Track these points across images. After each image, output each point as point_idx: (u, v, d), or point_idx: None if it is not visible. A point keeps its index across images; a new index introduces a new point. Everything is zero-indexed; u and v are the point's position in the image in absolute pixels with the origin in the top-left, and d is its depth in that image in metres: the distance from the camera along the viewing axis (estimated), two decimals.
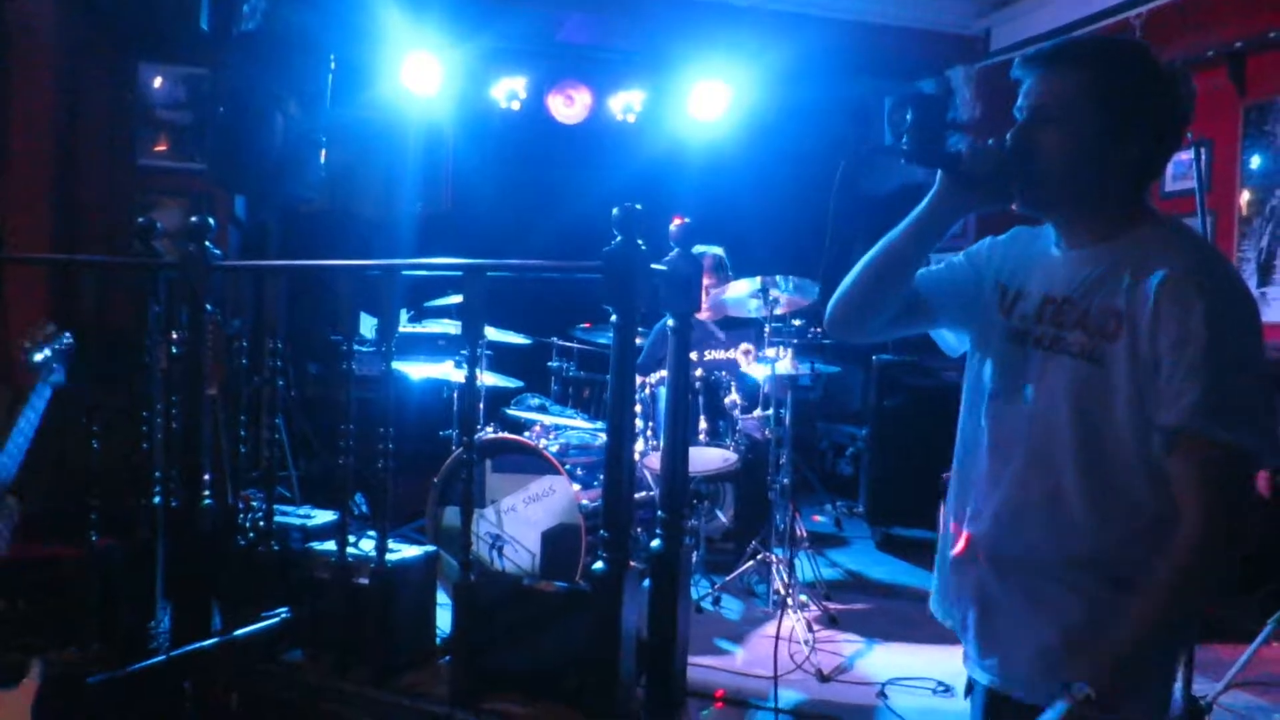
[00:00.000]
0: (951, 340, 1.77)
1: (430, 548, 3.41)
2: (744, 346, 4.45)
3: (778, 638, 3.58)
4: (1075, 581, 1.45)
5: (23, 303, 4.79)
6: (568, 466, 3.86)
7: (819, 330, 4.58)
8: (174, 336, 3.48)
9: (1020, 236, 1.66)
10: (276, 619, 2.83)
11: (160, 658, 2.28)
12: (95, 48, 5.05)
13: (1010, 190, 1.52)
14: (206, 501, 3.43)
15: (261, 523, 3.35)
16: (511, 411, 4.51)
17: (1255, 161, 4.76)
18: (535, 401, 4.52)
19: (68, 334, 3.10)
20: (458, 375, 4.34)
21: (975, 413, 1.61)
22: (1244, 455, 1.35)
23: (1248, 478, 1.38)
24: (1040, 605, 1.48)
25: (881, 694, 3.16)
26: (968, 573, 1.58)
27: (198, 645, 2.55)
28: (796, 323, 4.31)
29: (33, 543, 3.65)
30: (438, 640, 3.34)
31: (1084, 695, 1.31)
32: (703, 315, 4.73)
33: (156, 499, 3.45)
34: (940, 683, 3.26)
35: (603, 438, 4.09)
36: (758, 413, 4.21)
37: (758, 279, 4.07)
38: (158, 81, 5.25)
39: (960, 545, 1.60)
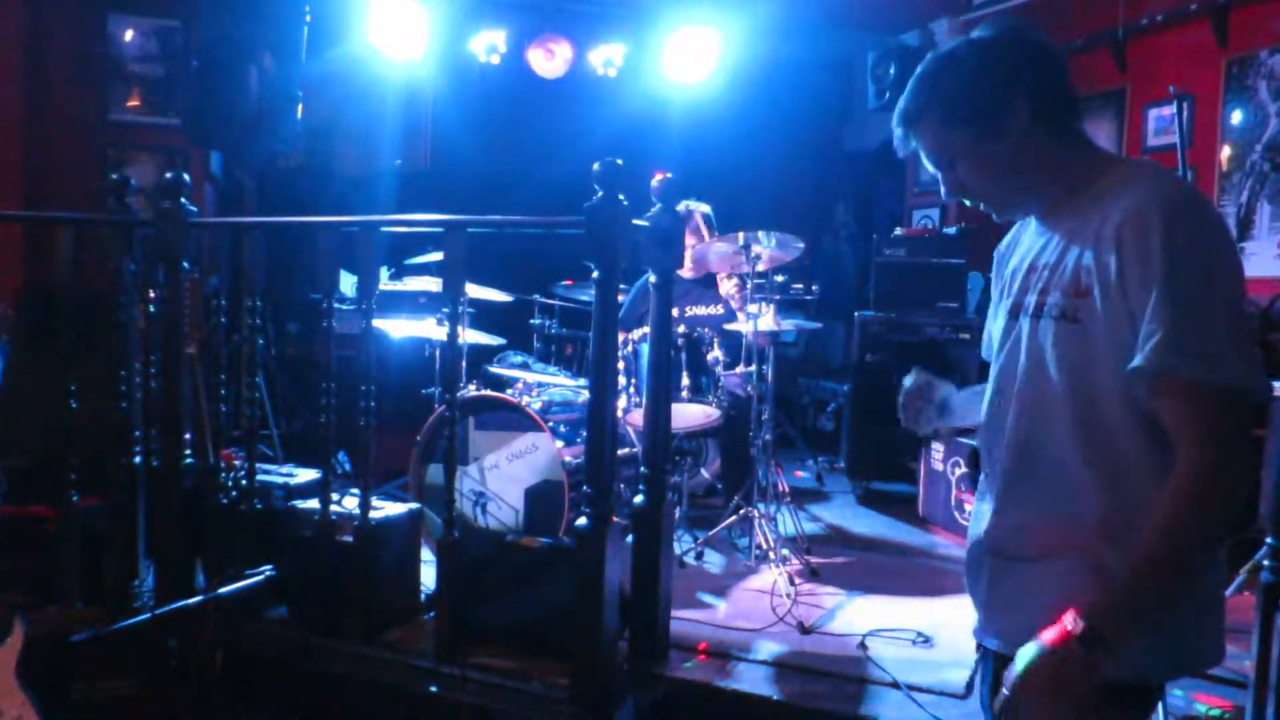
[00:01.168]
0: None
1: (414, 505, 3.42)
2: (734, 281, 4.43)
3: (764, 590, 3.62)
4: (1077, 544, 1.45)
5: None
6: (550, 423, 3.86)
7: (801, 286, 4.59)
8: (151, 295, 3.45)
9: (1009, 237, 1.73)
10: (260, 577, 2.84)
11: (144, 616, 2.28)
12: (64, 1, 4.94)
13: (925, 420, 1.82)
14: (188, 460, 3.42)
15: (244, 481, 3.35)
16: (494, 369, 4.50)
17: (1236, 116, 4.76)
18: (518, 359, 4.51)
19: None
20: (439, 333, 4.32)
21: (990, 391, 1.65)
22: (1232, 392, 1.33)
23: (1241, 414, 1.35)
24: (1043, 571, 1.49)
25: (862, 645, 3.20)
26: (980, 542, 1.61)
27: (182, 603, 2.55)
28: (779, 278, 4.30)
29: (14, 502, 3.64)
30: (422, 597, 3.36)
31: (1077, 627, 1.32)
32: (685, 272, 4.71)
33: (137, 458, 3.44)
34: (919, 633, 3.30)
35: (585, 395, 4.10)
36: (740, 369, 4.21)
37: (740, 235, 4.05)
38: (129, 34, 5.14)
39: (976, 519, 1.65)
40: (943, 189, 1.60)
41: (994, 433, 1.59)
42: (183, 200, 3.36)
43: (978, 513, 1.64)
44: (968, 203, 1.59)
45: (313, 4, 4.73)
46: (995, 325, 1.66)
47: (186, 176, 3.38)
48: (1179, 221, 1.35)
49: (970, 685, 2.96)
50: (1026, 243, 1.62)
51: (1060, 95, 1.51)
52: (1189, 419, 1.34)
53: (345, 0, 5.57)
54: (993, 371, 1.63)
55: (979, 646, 1.66)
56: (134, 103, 5.24)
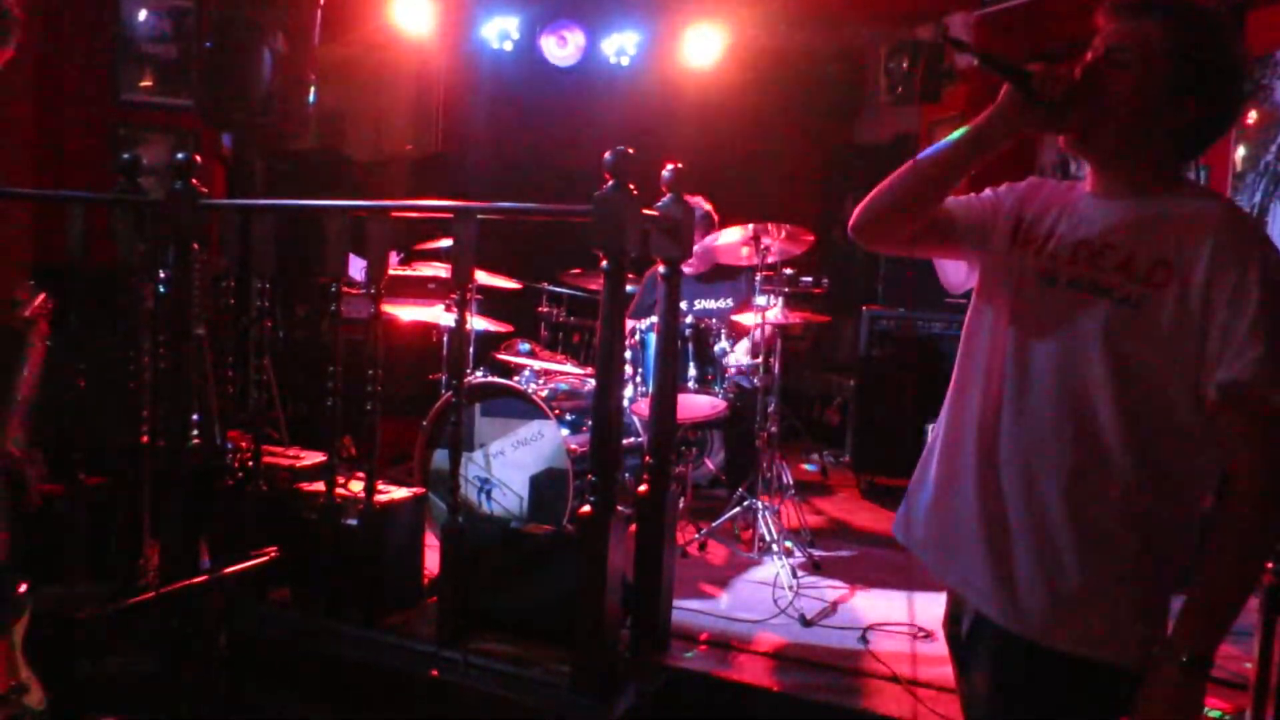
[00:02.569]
0: (955, 276, 1.79)
1: (419, 490, 3.43)
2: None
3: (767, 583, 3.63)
4: (1107, 528, 1.46)
5: (8, 241, 4.74)
6: (556, 412, 3.86)
7: (811, 279, 4.57)
8: (161, 275, 3.46)
9: (1045, 184, 1.68)
10: (265, 558, 2.85)
11: (149, 594, 2.28)
12: None
13: (1068, 120, 1.52)
14: (194, 441, 3.43)
15: (250, 463, 3.36)
16: (501, 356, 4.50)
17: (1251, 116, 4.73)
18: (525, 347, 4.51)
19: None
20: (447, 318, 4.32)
21: (978, 352, 1.61)
22: None
23: None
24: (1063, 549, 1.48)
25: (863, 638, 3.21)
26: (975, 511, 1.57)
27: (186, 582, 2.55)
28: (788, 271, 4.29)
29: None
30: (426, 582, 3.37)
31: (1181, 659, 1.39)
32: (688, 268, 4.69)
33: (144, 438, 3.45)
34: (920, 628, 3.30)
35: (591, 384, 4.10)
36: (747, 360, 4.21)
37: (749, 226, 4.05)
38: (142, 14, 5.14)
39: (970, 481, 1.59)
40: (1085, 68, 1.51)
41: (1011, 389, 1.54)
42: (193, 181, 3.36)
43: (972, 472, 1.58)
44: (1071, 102, 1.48)
45: None
46: (1015, 266, 1.59)
47: (198, 157, 3.38)
48: (1270, 258, 1.41)
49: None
50: (1076, 213, 1.57)
51: (1219, 131, 1.55)
52: (1264, 442, 1.39)
53: None
54: (1004, 323, 1.57)
55: (976, 623, 1.62)
56: (146, 83, 5.24)
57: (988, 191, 1.70)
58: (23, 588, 2.16)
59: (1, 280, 4.67)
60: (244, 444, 3.46)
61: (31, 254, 4.78)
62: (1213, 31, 1.51)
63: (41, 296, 2.85)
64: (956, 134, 1.59)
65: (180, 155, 3.35)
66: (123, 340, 3.42)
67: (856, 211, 1.67)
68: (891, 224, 1.67)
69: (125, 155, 3.49)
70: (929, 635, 3.27)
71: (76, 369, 3.43)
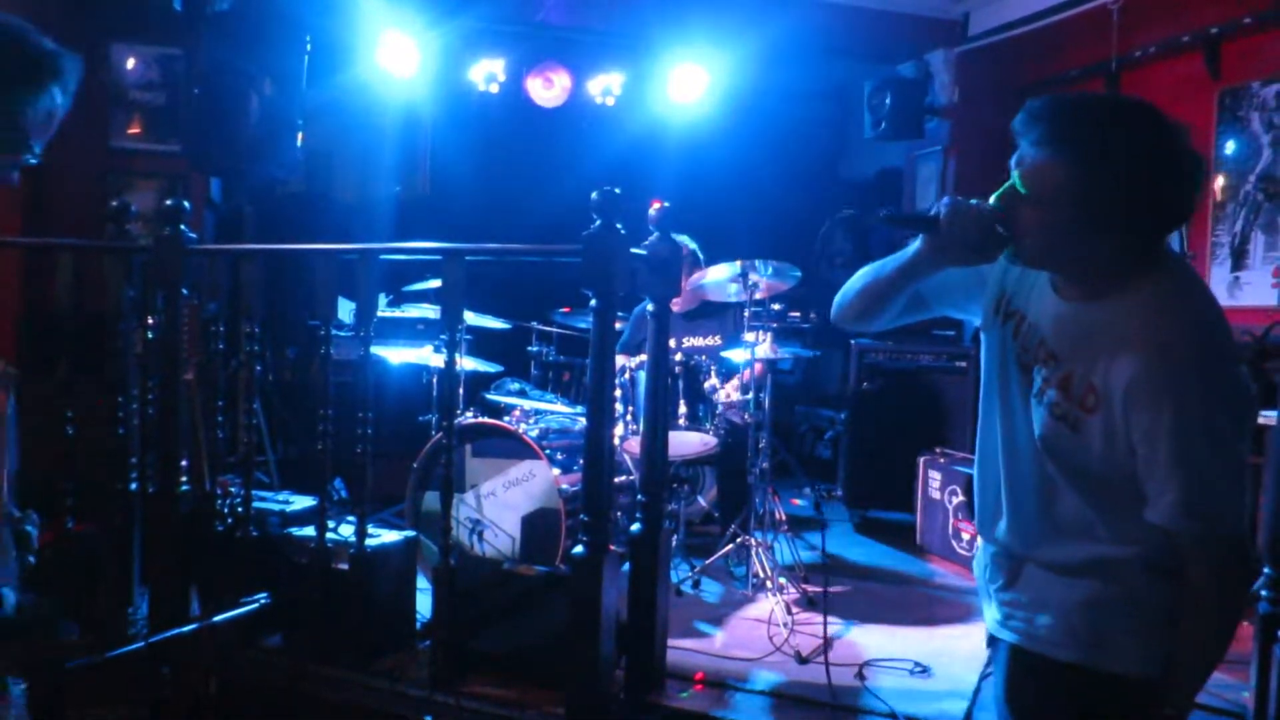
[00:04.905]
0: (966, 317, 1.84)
1: (410, 532, 3.41)
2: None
3: (764, 620, 3.61)
4: (1102, 574, 1.55)
5: None
6: (547, 451, 3.86)
7: (799, 315, 4.60)
8: (150, 321, 3.46)
9: None
10: (255, 604, 2.82)
11: (139, 644, 2.26)
12: (66, 28, 4.96)
13: (989, 249, 1.51)
14: (184, 487, 3.41)
15: (240, 508, 3.34)
16: (491, 396, 4.50)
17: (1229, 146, 4.80)
18: (515, 386, 4.51)
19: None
20: (437, 360, 4.32)
21: (990, 416, 1.68)
22: (1233, 539, 1.46)
23: (1240, 548, 1.48)
24: (1069, 584, 1.57)
25: (860, 675, 3.19)
26: (1003, 542, 1.67)
27: (177, 631, 2.53)
28: (776, 307, 4.31)
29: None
30: (418, 624, 3.35)
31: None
32: (676, 306, 4.71)
33: (133, 484, 3.43)
34: (917, 663, 3.29)
35: (582, 422, 4.09)
36: (737, 396, 4.22)
37: (737, 263, 4.07)
38: (130, 62, 5.18)
39: (980, 542, 1.73)
40: (1002, 199, 1.48)
41: (1000, 459, 1.65)
42: (182, 226, 3.37)
43: (997, 515, 1.67)
44: (986, 242, 1.49)
45: (313, 32, 4.77)
46: (991, 349, 1.66)
47: (187, 203, 3.40)
48: (1188, 382, 1.40)
49: (969, 715, 2.94)
50: (1041, 302, 1.57)
51: (1172, 225, 1.49)
52: (1199, 558, 1.46)
53: (346, 28, 5.61)
54: (996, 402, 1.66)
55: (990, 639, 1.73)
56: (135, 130, 5.27)
57: None
58: None
59: None
60: (233, 489, 3.44)
61: (20, 302, 4.77)
62: (1134, 165, 1.39)
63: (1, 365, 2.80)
64: (888, 266, 1.65)
65: (169, 201, 3.37)
66: (112, 386, 3.41)
67: (834, 306, 1.80)
68: (863, 322, 1.79)
69: (114, 202, 3.50)
70: (925, 670, 3.25)
71: (65, 416, 3.42)
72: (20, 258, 4.84)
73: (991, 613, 1.69)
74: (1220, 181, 4.82)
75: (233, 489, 3.45)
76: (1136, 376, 1.41)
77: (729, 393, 4.19)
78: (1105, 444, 1.46)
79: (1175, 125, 1.43)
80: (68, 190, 4.98)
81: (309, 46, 4.62)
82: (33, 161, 1.63)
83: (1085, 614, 1.54)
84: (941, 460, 4.71)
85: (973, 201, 1.50)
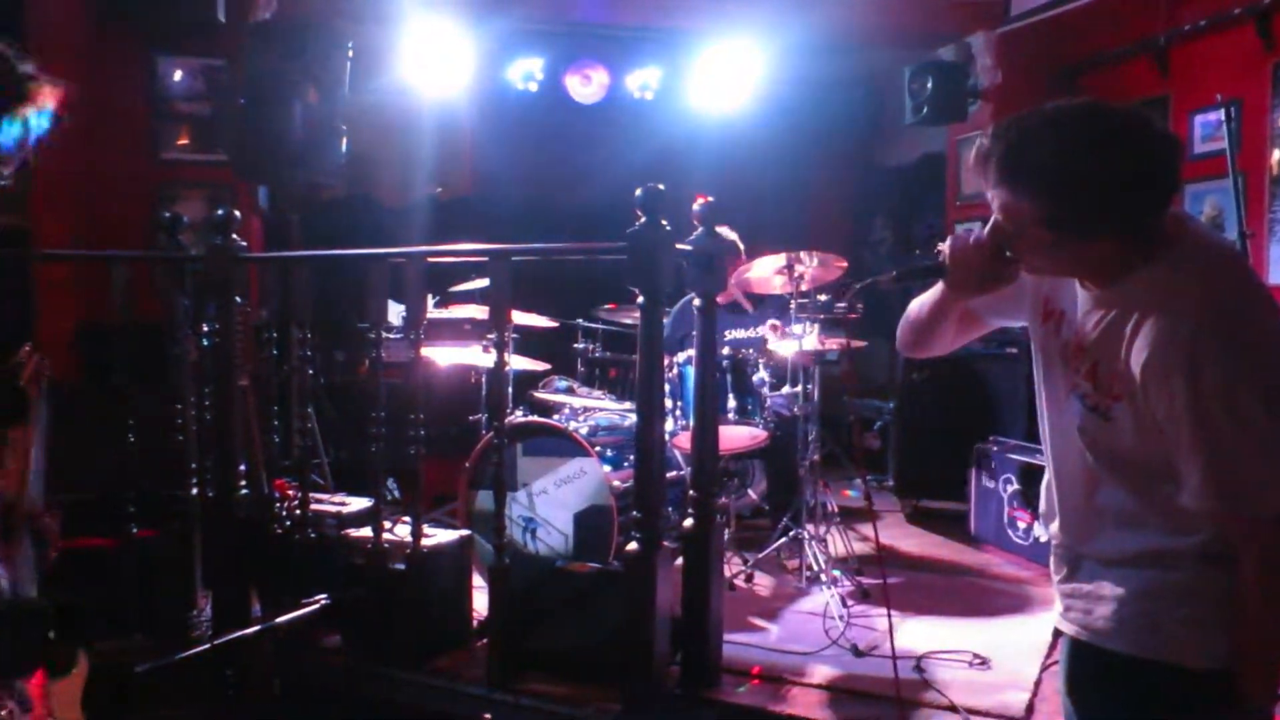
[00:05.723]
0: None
1: (464, 532, 3.44)
2: (770, 323, 4.42)
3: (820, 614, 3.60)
4: (1158, 563, 1.51)
5: (54, 301, 4.85)
6: (597, 448, 3.87)
7: (845, 304, 4.54)
8: (203, 329, 3.52)
9: None
10: (316, 605, 2.87)
11: (205, 646, 2.31)
12: (115, 44, 5.07)
13: (1005, 277, 1.58)
14: (242, 491, 3.47)
15: (297, 511, 3.39)
16: (539, 394, 4.52)
17: None
18: (563, 384, 4.53)
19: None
20: (485, 359, 4.35)
21: (1043, 415, 1.69)
22: (1272, 519, 1.39)
23: None
24: (1124, 576, 1.55)
25: (918, 667, 3.16)
26: (1059, 548, 1.68)
27: (241, 633, 2.58)
28: (822, 297, 4.28)
29: (74, 535, 3.70)
30: (474, 623, 3.37)
31: None
32: (720, 300, 4.68)
33: (193, 490, 3.50)
34: (976, 655, 3.25)
35: (631, 418, 4.10)
36: (785, 389, 4.19)
37: (782, 255, 4.05)
38: (177, 74, 5.26)
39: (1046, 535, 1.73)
40: (989, 232, 1.52)
41: (1055, 458, 1.66)
42: (232, 236, 3.43)
43: (1053, 509, 1.68)
44: (986, 275, 1.57)
45: (354, 37, 4.81)
46: (1043, 346, 1.65)
47: (237, 213, 3.45)
48: (1201, 356, 1.35)
49: (1031, 707, 2.91)
50: (1072, 296, 1.58)
51: (1161, 201, 1.44)
52: (1242, 538, 1.42)
53: (385, 33, 5.66)
54: (1045, 389, 1.66)
55: (1055, 630, 1.74)
56: (182, 141, 5.35)
57: None
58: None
59: (49, 338, 4.79)
60: (291, 492, 3.49)
61: (77, 314, 4.88)
62: (1088, 171, 1.38)
63: (34, 360, 2.81)
64: (929, 298, 1.75)
65: (219, 211, 3.42)
66: (169, 394, 3.48)
67: (897, 338, 1.88)
68: (923, 350, 1.87)
69: (166, 214, 3.57)
70: (985, 662, 3.21)
71: (125, 423, 3.49)
72: (75, 270, 4.94)
73: (1056, 604, 1.70)
74: (1277, 155, 4.70)
75: (290, 492, 3.50)
76: (1150, 356, 1.39)
77: (777, 385, 4.18)
78: (1136, 431, 1.45)
79: (1125, 113, 1.42)
80: (121, 202, 5.08)
81: (351, 52, 4.66)
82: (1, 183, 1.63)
83: (1139, 605, 1.52)
84: (994, 449, 4.65)
85: (973, 233, 1.56)
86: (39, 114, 1.62)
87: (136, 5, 5.00)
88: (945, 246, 1.59)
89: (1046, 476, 1.70)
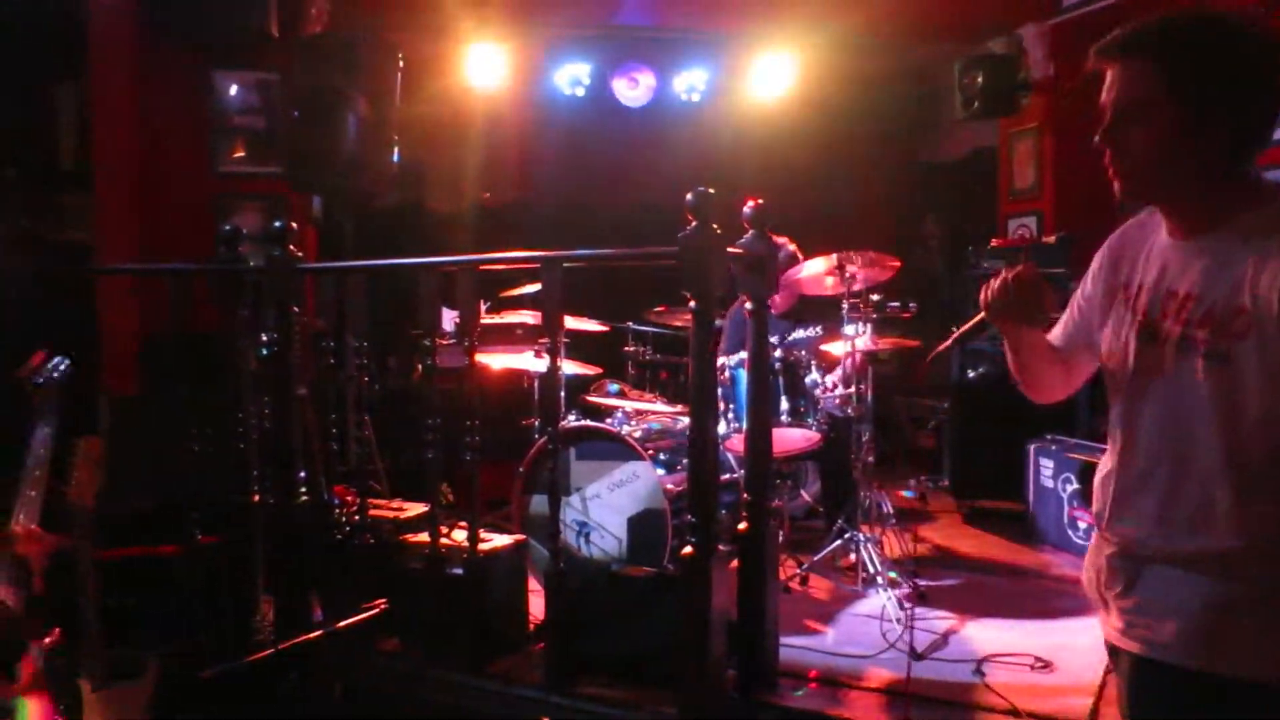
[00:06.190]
0: None
1: (519, 536, 3.47)
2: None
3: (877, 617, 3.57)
4: (1226, 571, 1.43)
5: (115, 313, 4.97)
6: (650, 451, 3.87)
7: (898, 303, 4.50)
8: (262, 339, 3.58)
9: (1125, 234, 1.66)
10: (375, 609, 2.90)
11: (270, 650, 2.35)
12: (171, 61, 5.18)
13: (1044, 308, 1.68)
14: (302, 498, 3.52)
15: (356, 517, 3.44)
16: (592, 398, 4.54)
17: None
18: (614, 387, 4.55)
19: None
20: (537, 364, 4.38)
21: (1116, 408, 1.63)
22: None
23: None
24: (1199, 581, 1.46)
25: (978, 671, 3.12)
26: (1119, 546, 1.58)
27: (304, 637, 2.62)
28: (875, 297, 4.24)
29: (139, 542, 3.79)
30: (530, 627, 3.40)
31: None
32: (774, 308, 4.65)
33: (254, 497, 3.56)
34: (1038, 658, 3.20)
35: (683, 421, 4.10)
36: (839, 390, 4.16)
37: (833, 255, 4.02)
38: (233, 89, 5.37)
39: (1107, 540, 1.61)
40: (1101, 134, 1.51)
41: (1138, 447, 1.55)
42: (290, 247, 3.49)
43: (1120, 508, 1.58)
44: (1012, 307, 1.66)
45: (405, 48, 4.88)
46: (1114, 337, 1.60)
47: (294, 224, 3.51)
48: None
49: (1095, 712, 2.85)
50: (1157, 260, 1.55)
51: (1268, 123, 1.45)
52: None
53: (435, 42, 5.73)
54: (1121, 384, 1.59)
55: (1111, 649, 1.61)
56: (238, 154, 5.46)
57: (1076, 294, 1.75)
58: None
59: (111, 350, 4.91)
60: (349, 498, 3.54)
61: (139, 325, 4.99)
62: (1216, 49, 1.42)
63: (39, 356, 2.74)
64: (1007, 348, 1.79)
65: (277, 223, 3.48)
66: (230, 403, 3.55)
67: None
68: (1035, 392, 1.84)
69: (226, 226, 3.63)
70: (1048, 665, 3.16)
71: (187, 433, 3.56)
72: (137, 283, 5.06)
73: (1111, 620, 1.58)
74: None
75: (348, 498, 3.55)
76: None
77: (830, 386, 4.15)
78: (1260, 371, 1.38)
79: (1255, 23, 1.44)
80: (178, 215, 5.19)
81: (401, 63, 4.72)
82: None
83: (1216, 616, 1.42)
84: (1053, 447, 4.58)
85: (994, 280, 1.70)
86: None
87: (192, 23, 5.10)
88: (982, 302, 1.71)
89: (1104, 470, 1.62)
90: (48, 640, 2.48)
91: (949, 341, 1.86)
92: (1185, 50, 1.43)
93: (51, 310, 4.55)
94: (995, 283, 1.69)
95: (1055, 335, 1.78)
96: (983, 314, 1.73)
